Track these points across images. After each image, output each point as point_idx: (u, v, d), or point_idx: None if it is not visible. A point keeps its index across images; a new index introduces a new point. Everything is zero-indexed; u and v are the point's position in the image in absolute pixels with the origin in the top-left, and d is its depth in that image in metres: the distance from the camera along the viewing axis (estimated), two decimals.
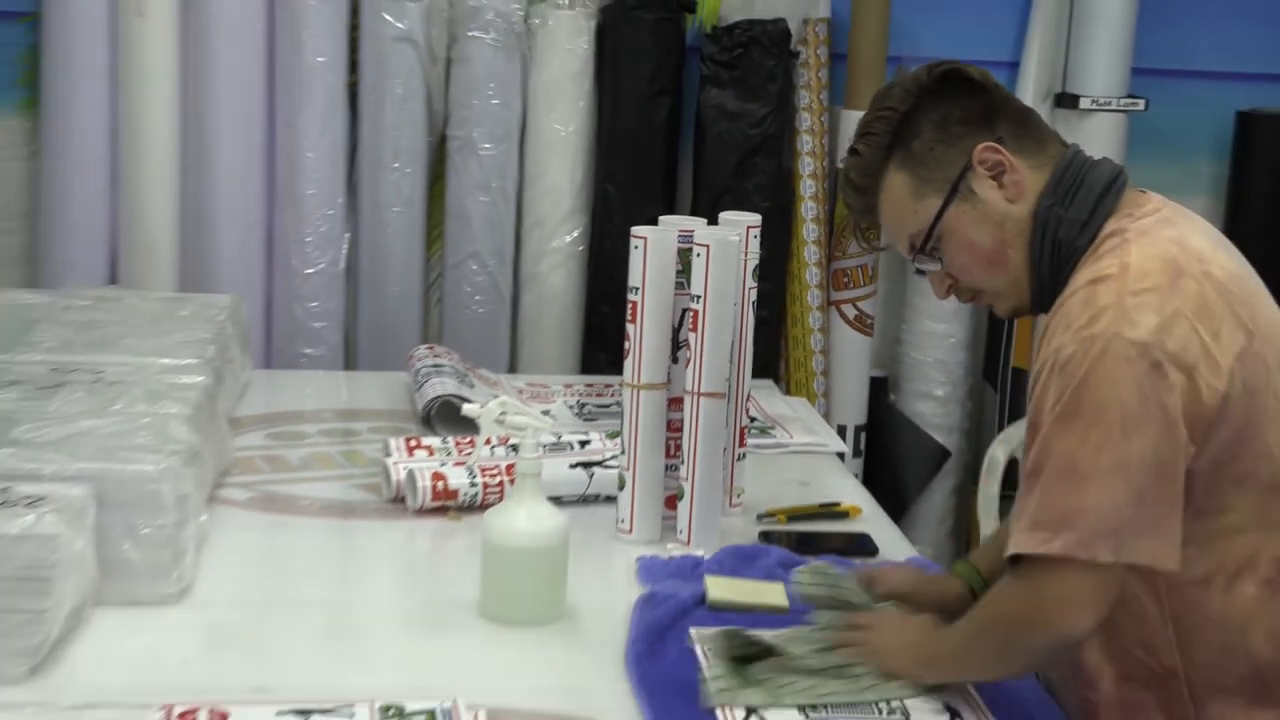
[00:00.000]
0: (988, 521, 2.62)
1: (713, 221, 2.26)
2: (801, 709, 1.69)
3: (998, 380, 3.59)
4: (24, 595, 1.67)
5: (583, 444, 2.40)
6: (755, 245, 2.26)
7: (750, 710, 1.69)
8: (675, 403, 2.19)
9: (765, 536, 2.23)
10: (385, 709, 1.60)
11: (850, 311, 3.50)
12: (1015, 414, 3.37)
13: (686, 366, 2.15)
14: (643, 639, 1.84)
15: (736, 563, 2.09)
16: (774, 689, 1.71)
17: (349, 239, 3.31)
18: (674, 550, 2.15)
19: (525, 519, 1.91)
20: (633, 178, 3.35)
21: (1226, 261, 1.70)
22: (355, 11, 3.24)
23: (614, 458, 2.31)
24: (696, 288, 2.12)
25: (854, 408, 3.54)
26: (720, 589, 1.98)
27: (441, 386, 2.62)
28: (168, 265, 3.23)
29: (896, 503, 3.47)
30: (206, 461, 2.13)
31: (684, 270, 2.15)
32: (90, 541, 1.79)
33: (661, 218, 2.25)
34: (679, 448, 2.19)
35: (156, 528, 1.86)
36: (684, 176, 3.45)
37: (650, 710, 1.68)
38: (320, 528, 2.22)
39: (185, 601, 1.91)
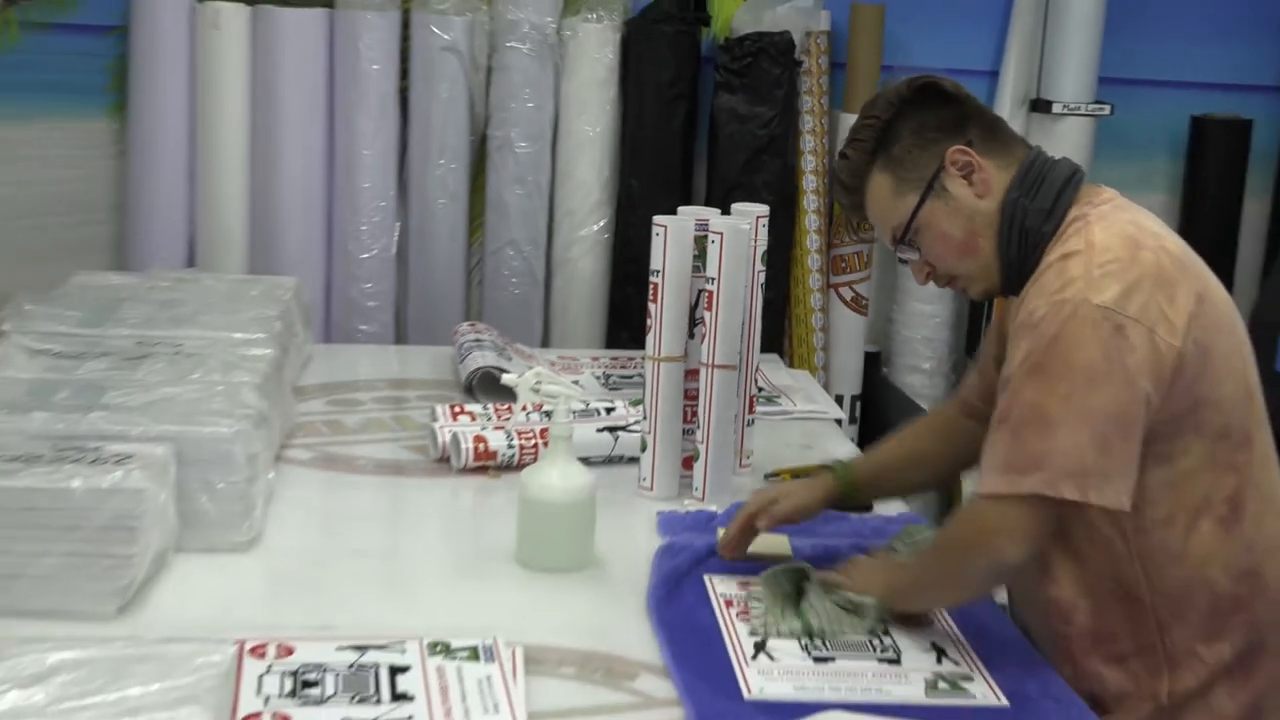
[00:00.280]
0: (967, 480, 2.60)
1: (725, 212, 2.25)
2: (803, 646, 1.70)
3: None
4: (113, 542, 1.68)
5: (609, 410, 2.39)
6: (764, 234, 2.24)
7: (758, 647, 1.69)
8: (692, 374, 2.18)
9: None
10: (433, 645, 1.60)
11: (847, 293, 3.48)
12: None
13: (702, 341, 2.15)
14: (662, 585, 1.85)
15: None
16: (808, 620, 1.73)
17: (399, 228, 3.30)
18: (690, 505, 2.15)
19: (558, 477, 1.90)
20: (653, 173, 3.33)
21: (1175, 241, 1.73)
22: (406, 25, 3.23)
23: (636, 423, 2.30)
24: (711, 271, 2.11)
25: (850, 379, 3.53)
26: None
27: (482, 359, 2.62)
28: (239, 251, 3.23)
29: None
30: (274, 425, 2.13)
31: (700, 255, 2.14)
32: (171, 495, 1.80)
33: (680, 208, 2.24)
34: (695, 414, 2.18)
35: (230, 483, 1.87)
36: (699, 172, 3.43)
37: (668, 648, 1.68)
38: (374, 484, 2.21)
39: (255, 549, 1.91)
